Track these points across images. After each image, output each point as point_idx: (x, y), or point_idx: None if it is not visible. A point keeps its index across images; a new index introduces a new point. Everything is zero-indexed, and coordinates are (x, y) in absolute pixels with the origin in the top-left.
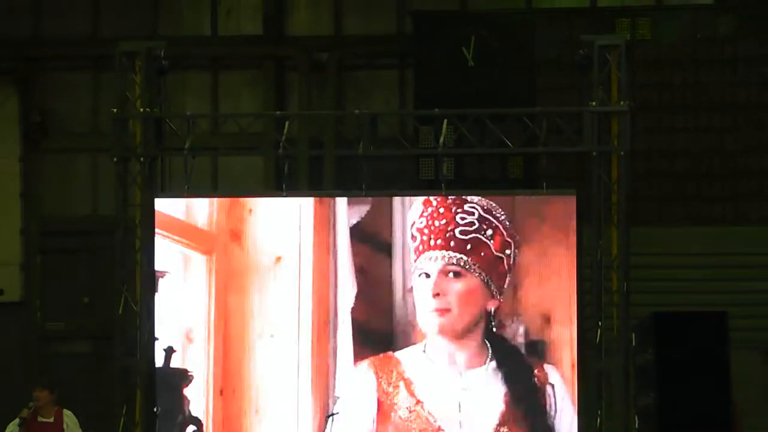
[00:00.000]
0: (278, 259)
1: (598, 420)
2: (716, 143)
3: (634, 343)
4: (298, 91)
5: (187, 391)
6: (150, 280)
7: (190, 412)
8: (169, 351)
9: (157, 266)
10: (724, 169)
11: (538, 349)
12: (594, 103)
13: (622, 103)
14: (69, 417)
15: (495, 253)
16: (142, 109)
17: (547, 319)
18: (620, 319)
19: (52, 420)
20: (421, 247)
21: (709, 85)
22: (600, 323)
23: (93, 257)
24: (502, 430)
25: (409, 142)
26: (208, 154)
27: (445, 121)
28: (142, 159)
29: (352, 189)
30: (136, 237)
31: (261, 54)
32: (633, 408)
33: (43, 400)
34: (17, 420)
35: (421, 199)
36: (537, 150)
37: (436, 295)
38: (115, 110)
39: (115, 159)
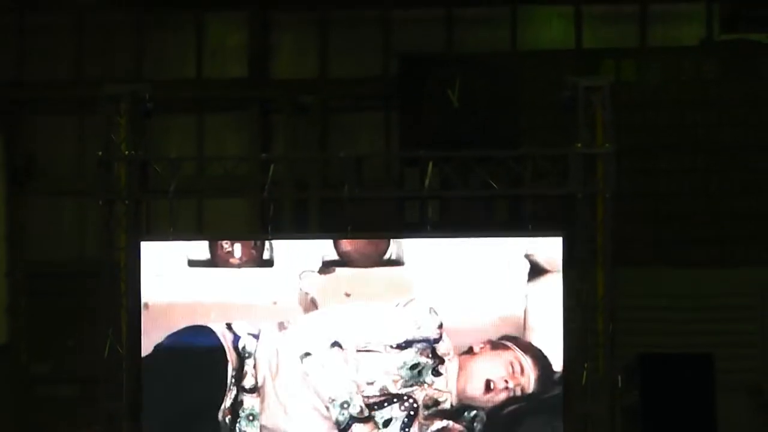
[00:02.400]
0: None
1: None
2: (701, 185)
3: (620, 385)
4: (283, 133)
5: None
6: (136, 323)
7: None
8: None
9: None
10: (710, 211)
11: None
12: (579, 145)
13: (607, 144)
14: None
15: None
16: (126, 152)
17: None
18: (606, 361)
19: None
20: None
21: (694, 126)
22: (585, 365)
23: (79, 300)
24: None
25: (395, 184)
26: (194, 197)
27: (431, 163)
28: (126, 202)
29: (337, 232)
30: (122, 280)
31: (246, 96)
32: None
33: None
34: None
35: None
36: (522, 192)
37: None
38: (99, 153)
39: (100, 202)
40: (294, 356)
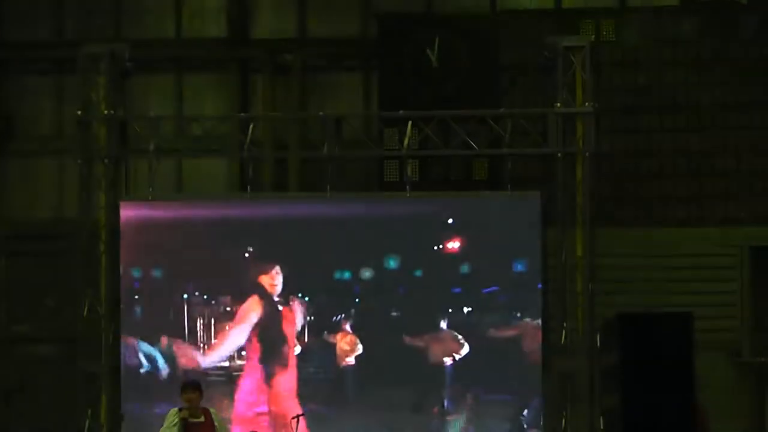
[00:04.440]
0: None
1: (563, 420)
2: (680, 144)
3: (599, 344)
4: (262, 93)
5: None
6: (115, 282)
7: None
8: None
9: None
10: (689, 170)
11: None
12: (559, 105)
13: (587, 104)
14: (215, 415)
15: None
16: (106, 112)
17: None
18: (585, 320)
19: (203, 420)
20: None
21: (673, 86)
22: (565, 324)
23: (58, 260)
24: None
25: (374, 144)
26: (173, 157)
27: (410, 122)
28: (106, 161)
29: (316, 191)
30: (101, 240)
31: (225, 56)
32: (598, 408)
33: (195, 401)
34: (173, 422)
35: None
36: (502, 152)
37: None
38: (78, 113)
39: (79, 161)
40: None
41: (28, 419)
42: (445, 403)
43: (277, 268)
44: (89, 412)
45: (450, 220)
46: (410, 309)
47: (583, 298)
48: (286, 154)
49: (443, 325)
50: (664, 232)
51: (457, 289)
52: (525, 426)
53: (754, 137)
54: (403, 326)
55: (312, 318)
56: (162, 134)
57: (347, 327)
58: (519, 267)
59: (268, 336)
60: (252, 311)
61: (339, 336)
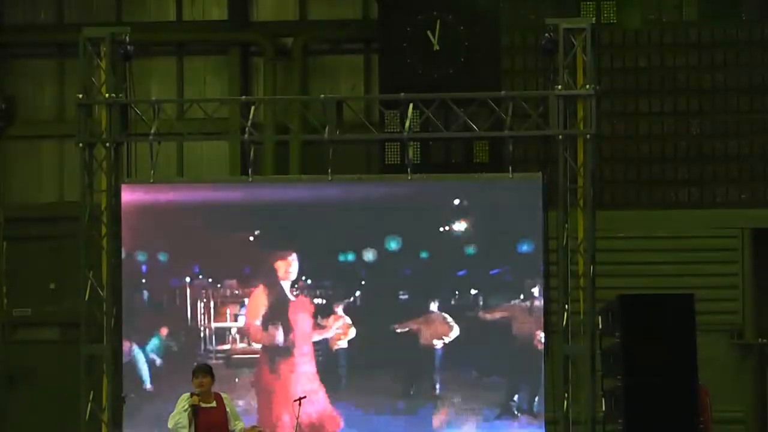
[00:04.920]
0: None
1: (565, 403)
2: (681, 127)
3: (600, 327)
4: (263, 76)
5: None
6: (116, 265)
7: None
8: None
9: None
10: (690, 153)
11: None
12: (560, 87)
13: (587, 86)
14: (227, 400)
15: None
16: (107, 95)
17: None
18: (586, 303)
19: (214, 405)
20: None
21: (674, 68)
22: (566, 307)
23: (59, 243)
24: None
25: (375, 127)
26: (174, 140)
27: (411, 105)
28: (107, 144)
29: (317, 174)
30: (102, 223)
31: (226, 39)
32: (599, 391)
33: (207, 386)
34: (184, 407)
35: None
36: (502, 134)
37: None
38: (80, 96)
39: (80, 145)
40: None
41: (29, 403)
42: (437, 387)
43: (294, 256)
44: (91, 394)
45: (456, 201)
46: (415, 290)
47: (585, 280)
48: (287, 137)
49: (434, 307)
50: (665, 215)
51: (462, 272)
52: (516, 411)
53: (755, 120)
54: (407, 308)
55: (323, 301)
56: (163, 118)
57: (339, 310)
58: (524, 248)
59: (277, 323)
60: (260, 303)
61: (332, 319)
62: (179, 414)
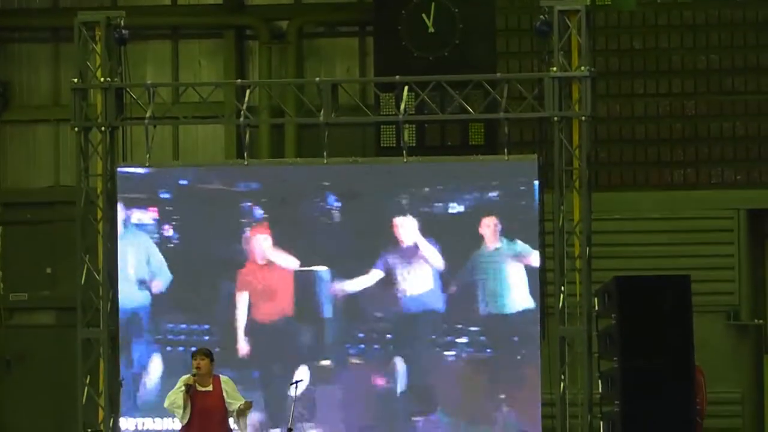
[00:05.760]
0: None
1: (561, 385)
2: (676, 108)
3: (596, 308)
4: (258, 59)
5: None
6: (112, 249)
7: None
8: None
9: None
10: (685, 134)
11: None
12: (555, 69)
13: (582, 68)
14: (227, 383)
15: None
16: (102, 79)
17: None
18: (583, 285)
19: (211, 388)
20: None
21: (669, 50)
22: (563, 288)
23: (55, 228)
24: None
25: (371, 110)
26: (170, 124)
27: (406, 87)
28: (103, 129)
29: (313, 157)
30: (98, 207)
31: (221, 23)
32: (596, 372)
33: (205, 369)
34: (180, 388)
35: None
36: (498, 116)
37: None
38: (75, 80)
39: (76, 129)
40: None
41: (26, 387)
42: None
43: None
44: (88, 379)
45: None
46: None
47: (581, 261)
48: (282, 120)
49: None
50: (661, 196)
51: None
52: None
53: (749, 101)
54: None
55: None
56: (158, 102)
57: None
58: None
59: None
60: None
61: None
62: (175, 393)
